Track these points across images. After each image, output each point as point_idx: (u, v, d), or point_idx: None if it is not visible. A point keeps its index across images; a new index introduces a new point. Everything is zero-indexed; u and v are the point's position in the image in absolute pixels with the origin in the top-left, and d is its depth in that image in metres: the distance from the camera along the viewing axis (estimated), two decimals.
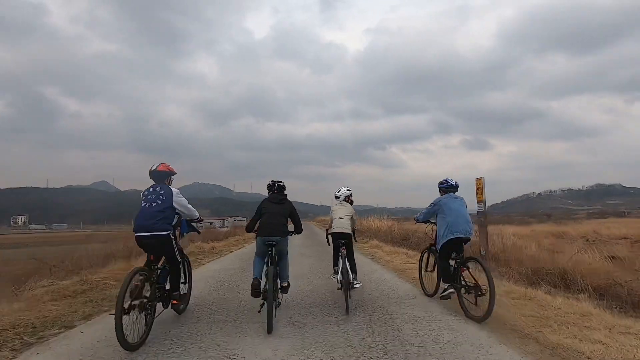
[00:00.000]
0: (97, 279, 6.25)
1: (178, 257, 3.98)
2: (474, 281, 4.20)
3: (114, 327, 3.03)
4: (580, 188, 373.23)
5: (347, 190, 5.53)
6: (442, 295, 4.52)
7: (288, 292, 4.64)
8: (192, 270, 4.81)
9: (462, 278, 4.38)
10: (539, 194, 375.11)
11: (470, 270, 4.34)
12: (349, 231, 5.05)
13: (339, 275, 4.70)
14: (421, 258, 5.59)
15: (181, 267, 4.16)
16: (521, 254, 7.54)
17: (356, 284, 4.86)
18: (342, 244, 4.96)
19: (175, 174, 4.29)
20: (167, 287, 3.96)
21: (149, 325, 3.49)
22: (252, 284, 4.13)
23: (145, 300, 3.47)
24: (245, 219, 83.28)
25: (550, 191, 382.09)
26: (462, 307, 4.26)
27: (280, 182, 4.79)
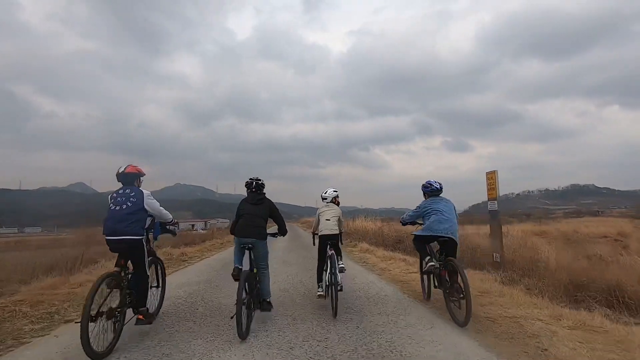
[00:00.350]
0: (4, 303, 4.66)
1: (147, 268, 3.78)
2: (456, 285, 4.07)
3: (80, 336, 2.86)
4: (557, 188, 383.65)
5: (334, 191, 5.36)
6: (424, 270, 4.66)
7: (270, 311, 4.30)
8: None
9: (446, 281, 4.27)
10: (518, 194, 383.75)
11: (456, 275, 4.11)
12: (337, 232, 4.98)
13: (326, 278, 4.59)
14: (421, 263, 5.23)
15: (151, 275, 4.03)
16: (539, 259, 6.36)
17: (340, 264, 4.79)
18: (330, 245, 4.84)
19: (144, 175, 4.08)
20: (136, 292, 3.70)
21: (117, 332, 3.33)
22: (232, 273, 4.06)
23: (114, 306, 3.33)
24: (227, 220, 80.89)
25: (528, 191, 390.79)
26: (449, 311, 4.18)
27: (259, 179, 4.45)
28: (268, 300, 4.27)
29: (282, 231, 4.60)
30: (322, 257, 4.91)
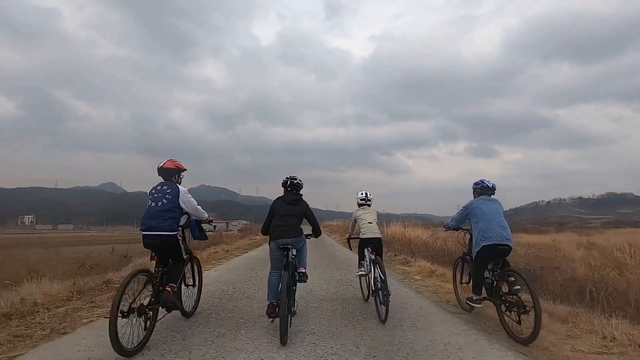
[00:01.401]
0: None
1: (184, 254, 3.83)
2: (515, 297, 3.70)
3: (108, 331, 2.81)
4: (591, 196, 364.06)
5: (369, 194, 5.31)
6: (466, 304, 4.34)
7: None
8: None
9: (501, 293, 3.89)
10: (549, 202, 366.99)
11: (511, 284, 3.78)
12: (380, 236, 4.93)
13: (372, 283, 4.48)
14: (455, 268, 5.15)
15: (187, 266, 4.09)
16: None
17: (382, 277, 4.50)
18: (372, 249, 4.79)
19: (185, 170, 4.07)
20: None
21: (149, 330, 3.28)
22: (266, 311, 3.78)
23: (145, 303, 3.27)
24: (249, 222, 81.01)
25: (561, 199, 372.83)
26: (503, 327, 3.81)
27: (295, 178, 4.33)
28: (304, 270, 4.18)
29: (316, 232, 4.49)
30: (361, 261, 4.97)
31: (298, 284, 4.14)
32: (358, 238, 4.98)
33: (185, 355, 3.07)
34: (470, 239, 4.55)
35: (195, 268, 4.48)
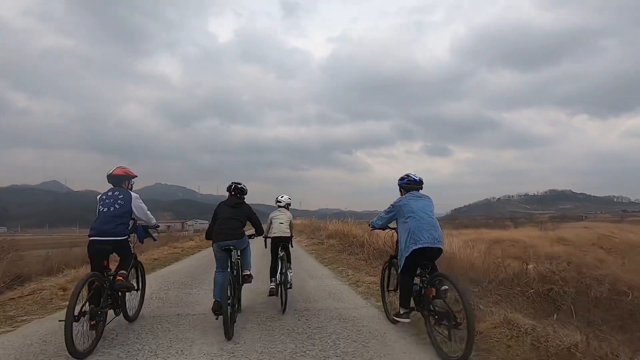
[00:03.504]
0: None
1: (132, 250, 3.99)
2: (445, 307, 3.16)
3: (64, 334, 2.95)
4: (536, 193, 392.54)
5: (289, 198, 5.76)
6: (393, 319, 3.90)
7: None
8: None
9: (430, 302, 3.36)
10: (498, 199, 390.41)
11: (439, 284, 3.29)
12: (289, 235, 5.37)
13: (277, 277, 4.93)
14: (383, 274, 4.57)
15: (131, 277, 4.12)
16: None
17: (290, 272, 5.12)
18: (281, 246, 5.21)
19: (135, 177, 4.19)
20: (120, 293, 3.83)
21: (99, 333, 3.41)
22: (212, 307, 3.94)
23: (96, 307, 3.40)
24: (207, 222, 77.01)
25: (509, 196, 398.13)
26: (432, 343, 3.27)
27: (239, 184, 4.68)
28: (248, 273, 4.48)
29: (259, 231, 4.96)
30: (274, 258, 5.22)
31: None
32: (270, 237, 5.32)
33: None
34: (397, 239, 4.24)
35: (139, 272, 4.52)
